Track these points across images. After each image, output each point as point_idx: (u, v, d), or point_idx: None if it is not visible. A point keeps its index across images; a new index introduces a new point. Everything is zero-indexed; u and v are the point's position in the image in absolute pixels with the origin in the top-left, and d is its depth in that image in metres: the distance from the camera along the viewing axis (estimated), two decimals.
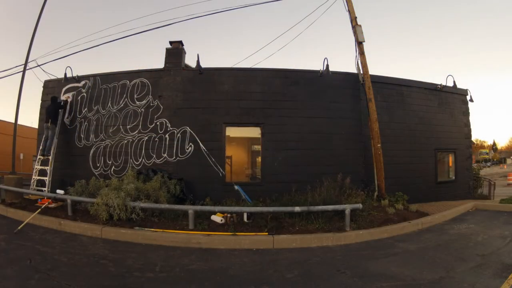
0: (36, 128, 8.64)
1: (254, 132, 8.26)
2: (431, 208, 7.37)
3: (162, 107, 7.84)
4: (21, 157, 15.57)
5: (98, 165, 7.94)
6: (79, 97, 8.38)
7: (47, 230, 5.22)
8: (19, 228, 5.12)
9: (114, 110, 8.10)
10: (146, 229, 5.04)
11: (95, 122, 8.15)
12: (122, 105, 8.07)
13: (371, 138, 7.62)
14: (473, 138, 11.32)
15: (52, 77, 8.95)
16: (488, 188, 10.32)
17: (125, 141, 7.89)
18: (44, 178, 7.47)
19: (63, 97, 8.34)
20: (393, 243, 4.93)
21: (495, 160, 49.39)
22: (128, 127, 7.92)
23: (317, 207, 5.39)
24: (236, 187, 7.14)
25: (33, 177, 7.61)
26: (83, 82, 8.37)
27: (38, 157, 7.84)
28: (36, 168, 7.69)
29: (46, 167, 7.58)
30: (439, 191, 9.02)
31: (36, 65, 9.14)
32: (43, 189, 7.28)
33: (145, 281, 3.28)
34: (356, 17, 7.74)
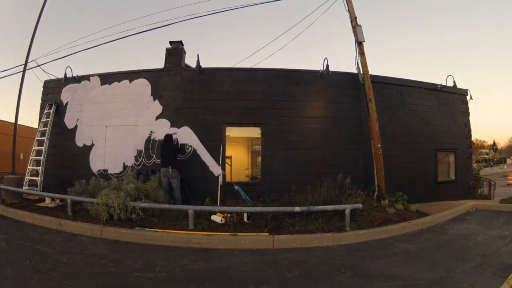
0: (36, 128, 8.63)
1: (254, 132, 8.26)
2: (431, 208, 7.37)
3: (162, 107, 7.84)
4: (21, 157, 15.54)
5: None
6: (79, 97, 8.38)
7: (47, 230, 5.22)
8: None
9: None
10: (146, 229, 5.03)
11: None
12: None
13: (371, 138, 7.62)
14: (473, 138, 11.30)
15: (52, 77, 8.97)
16: (488, 188, 10.31)
17: None
18: (36, 178, 7.55)
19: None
20: (393, 243, 4.93)
21: (495, 160, 49.34)
22: None
23: (317, 207, 5.39)
24: (236, 187, 7.13)
25: (26, 177, 7.71)
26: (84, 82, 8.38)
27: (31, 157, 7.93)
28: (28, 168, 7.82)
29: (38, 167, 7.72)
30: (439, 191, 9.02)
31: (36, 65, 9.15)
32: (35, 188, 7.41)
33: (145, 281, 3.28)
34: (356, 17, 7.73)
